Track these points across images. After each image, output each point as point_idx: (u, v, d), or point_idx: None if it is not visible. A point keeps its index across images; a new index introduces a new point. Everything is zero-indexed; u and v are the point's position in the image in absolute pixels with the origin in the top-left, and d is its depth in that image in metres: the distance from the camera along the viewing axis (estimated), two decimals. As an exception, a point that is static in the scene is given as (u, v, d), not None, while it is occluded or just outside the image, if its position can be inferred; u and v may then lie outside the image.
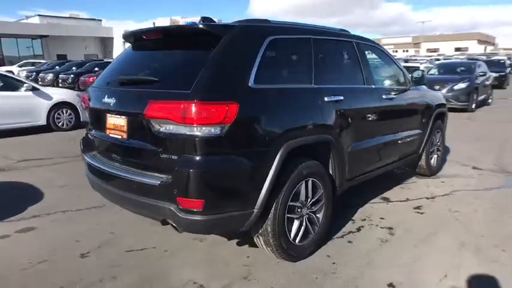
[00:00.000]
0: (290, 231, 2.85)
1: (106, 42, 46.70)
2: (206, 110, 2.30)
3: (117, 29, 45.88)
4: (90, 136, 3.22)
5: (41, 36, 38.65)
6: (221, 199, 2.44)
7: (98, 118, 3.00)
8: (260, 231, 2.75)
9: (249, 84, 2.54)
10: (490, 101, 13.01)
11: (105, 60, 28.15)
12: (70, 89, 14.07)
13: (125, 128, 2.68)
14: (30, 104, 8.46)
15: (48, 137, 8.34)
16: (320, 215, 3.09)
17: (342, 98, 3.17)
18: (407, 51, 75.93)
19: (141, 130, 2.55)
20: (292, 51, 3.05)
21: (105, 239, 3.39)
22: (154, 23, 41.44)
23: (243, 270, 2.85)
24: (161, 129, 2.41)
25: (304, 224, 2.95)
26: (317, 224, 3.07)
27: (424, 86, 4.71)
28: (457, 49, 66.54)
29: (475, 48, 67.26)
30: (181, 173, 2.34)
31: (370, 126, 3.61)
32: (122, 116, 2.69)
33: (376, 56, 4.09)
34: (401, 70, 4.40)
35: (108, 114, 2.83)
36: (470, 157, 6.07)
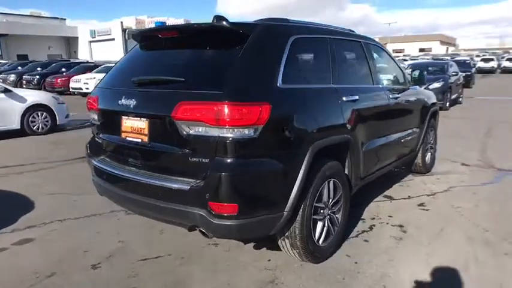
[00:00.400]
0: (315, 232, 2.81)
1: (70, 42, 45.06)
2: (240, 111, 2.22)
3: (82, 28, 44.41)
4: (98, 140, 3.03)
5: (0, 35, 36.72)
6: (254, 203, 2.37)
7: (111, 121, 2.84)
8: (286, 234, 2.70)
9: (278, 84, 2.48)
10: (461, 99, 13.57)
11: (72, 60, 27.11)
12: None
13: (146, 131, 2.54)
14: (1, 107, 7.97)
15: (23, 142, 7.89)
16: (339, 215, 3.08)
17: (357, 97, 3.18)
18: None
19: (166, 133, 2.43)
20: (313, 50, 3.02)
21: (114, 248, 3.22)
22: (122, 22, 40.39)
23: (267, 275, 2.78)
24: (191, 132, 2.31)
25: (326, 225, 2.92)
26: (337, 224, 3.05)
27: (417, 86, 4.81)
28: (421, 50, 69.21)
29: (437, 49, 70.21)
30: (215, 176, 2.24)
31: (380, 125, 3.65)
32: (143, 119, 2.55)
33: (379, 56, 4.13)
34: (401, 70, 4.47)
35: (124, 117, 2.68)
36: (456, 154, 6.28)
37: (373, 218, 3.79)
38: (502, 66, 32.94)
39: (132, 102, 2.55)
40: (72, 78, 17.81)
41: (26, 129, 8.31)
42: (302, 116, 2.59)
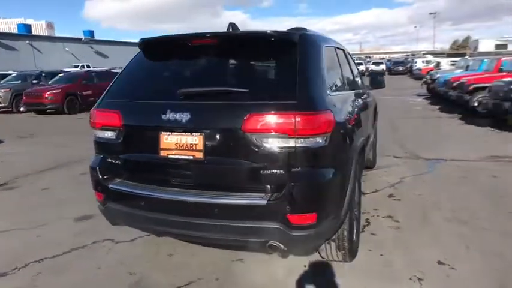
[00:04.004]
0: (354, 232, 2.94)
1: None
2: (315, 120, 2.22)
3: None
4: (116, 161, 2.64)
5: None
6: (328, 210, 2.38)
7: (143, 138, 2.52)
8: (333, 238, 2.76)
9: (328, 92, 2.54)
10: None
11: None
12: None
13: (200, 147, 2.33)
14: None
15: None
16: (357, 212, 3.27)
17: (361, 101, 3.42)
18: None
19: (232, 147, 2.28)
20: (331, 59, 3.14)
21: (132, 282, 2.85)
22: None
23: (321, 282, 2.80)
24: (264, 144, 2.21)
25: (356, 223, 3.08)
26: (358, 220, 3.24)
27: None
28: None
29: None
30: (297, 187, 2.20)
31: (364, 126, 3.98)
32: (195, 133, 2.33)
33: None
34: (359, 74, 4.91)
35: (164, 133, 2.40)
36: (383, 148, 7.10)
37: (363, 213, 4.09)
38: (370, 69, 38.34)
39: (182, 116, 2.31)
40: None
41: None
42: (348, 122, 2.71)
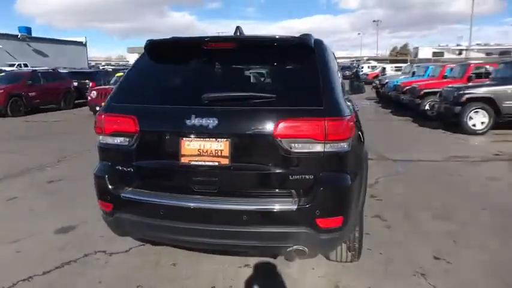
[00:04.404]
0: (361, 232, 3.03)
1: None
2: (342, 126, 2.28)
3: None
4: (129, 168, 2.49)
5: None
6: (352, 212, 2.44)
7: (161, 144, 2.42)
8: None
9: (343, 97, 2.60)
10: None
11: None
12: None
13: (226, 152, 2.28)
14: None
15: None
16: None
17: (355, 106, 3.54)
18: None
19: (260, 152, 2.27)
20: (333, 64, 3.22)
21: (142, 296, 2.71)
22: None
23: (330, 284, 2.85)
24: (294, 149, 2.23)
25: (359, 222, 3.18)
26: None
27: None
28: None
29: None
30: (326, 192, 2.24)
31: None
32: (220, 139, 2.28)
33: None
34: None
35: (186, 138, 2.32)
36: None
37: (352, 213, 4.24)
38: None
39: (208, 122, 2.25)
40: None
41: None
42: (359, 127, 2.79)
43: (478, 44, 47.40)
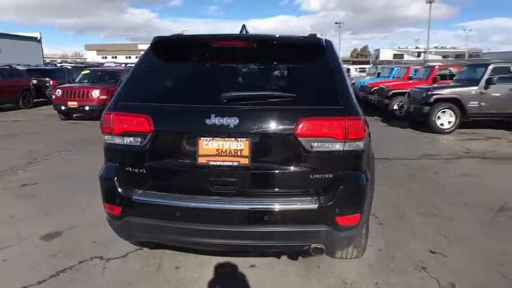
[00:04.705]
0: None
1: None
2: (360, 125, 2.33)
3: None
4: (140, 170, 2.39)
5: None
6: (365, 210, 2.49)
7: (176, 144, 2.34)
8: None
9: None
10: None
11: None
12: None
13: (246, 152, 2.25)
14: None
15: None
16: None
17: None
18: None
19: (281, 152, 2.26)
20: None
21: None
22: None
23: (337, 281, 2.89)
24: (314, 149, 2.24)
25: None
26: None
27: None
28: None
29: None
30: (346, 190, 2.27)
31: None
32: (240, 139, 2.25)
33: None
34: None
35: (204, 138, 2.27)
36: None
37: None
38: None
39: (229, 121, 2.21)
40: None
41: None
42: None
43: (435, 47, 49.96)
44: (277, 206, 2.27)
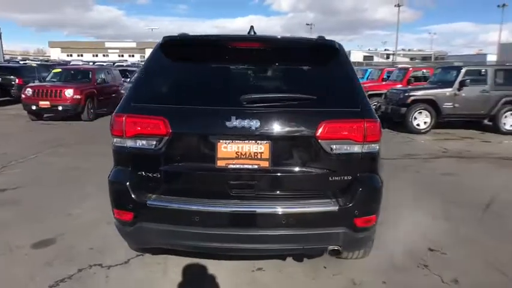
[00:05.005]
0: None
1: None
2: (377, 127, 2.36)
3: None
4: (154, 173, 2.32)
5: None
6: (379, 211, 2.52)
7: (193, 147, 2.28)
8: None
9: None
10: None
11: None
12: None
13: (267, 155, 2.23)
14: None
15: None
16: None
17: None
18: (133, 56, 78.42)
19: (301, 154, 2.26)
20: None
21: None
22: None
23: (346, 281, 2.92)
24: (334, 151, 2.25)
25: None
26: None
27: None
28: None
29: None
30: (363, 192, 2.31)
31: None
32: (260, 141, 2.22)
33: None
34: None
35: (223, 141, 2.23)
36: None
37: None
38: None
39: (250, 124, 2.19)
40: None
41: None
42: None
43: (402, 49, 51.70)
44: (297, 209, 2.27)
